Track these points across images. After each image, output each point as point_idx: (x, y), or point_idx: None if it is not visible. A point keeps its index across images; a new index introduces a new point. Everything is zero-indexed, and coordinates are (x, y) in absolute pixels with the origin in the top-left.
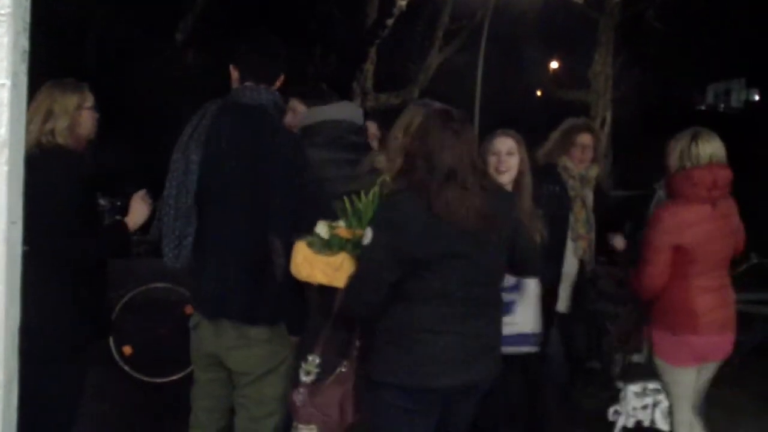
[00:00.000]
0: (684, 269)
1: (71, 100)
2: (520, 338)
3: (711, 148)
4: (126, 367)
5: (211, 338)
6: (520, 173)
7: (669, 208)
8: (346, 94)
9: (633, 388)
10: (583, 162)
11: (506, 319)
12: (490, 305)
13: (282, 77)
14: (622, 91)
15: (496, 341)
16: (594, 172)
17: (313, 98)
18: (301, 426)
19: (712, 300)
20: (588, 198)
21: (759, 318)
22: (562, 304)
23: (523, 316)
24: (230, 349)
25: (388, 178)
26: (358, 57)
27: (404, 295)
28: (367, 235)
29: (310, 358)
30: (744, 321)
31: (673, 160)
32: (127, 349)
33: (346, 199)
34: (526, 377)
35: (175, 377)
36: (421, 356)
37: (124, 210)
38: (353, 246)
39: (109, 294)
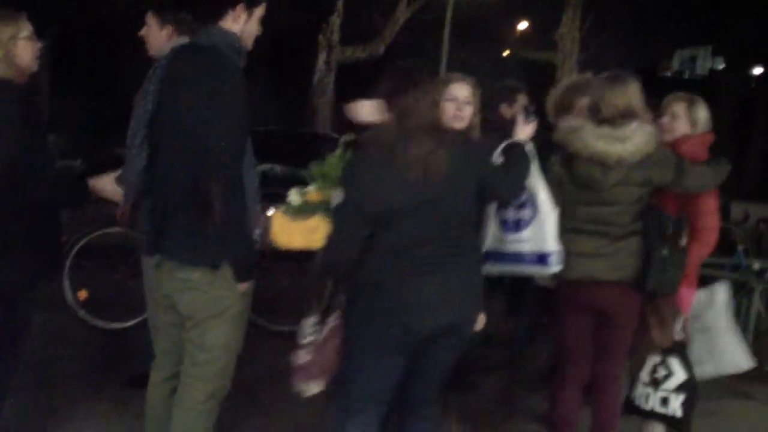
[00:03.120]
0: None
1: (4, 31)
2: (535, 257)
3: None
4: (81, 312)
5: (165, 280)
6: (469, 126)
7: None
8: (311, 47)
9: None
10: None
11: (516, 236)
12: (466, 248)
13: (238, 10)
14: (588, 54)
15: (472, 283)
16: None
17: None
18: (310, 384)
19: None
20: None
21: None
22: None
23: (536, 233)
24: (176, 292)
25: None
26: (324, 9)
27: (378, 246)
28: (338, 195)
29: (309, 320)
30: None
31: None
32: (83, 294)
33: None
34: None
35: (130, 323)
36: (402, 301)
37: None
38: (326, 207)
39: (64, 238)
